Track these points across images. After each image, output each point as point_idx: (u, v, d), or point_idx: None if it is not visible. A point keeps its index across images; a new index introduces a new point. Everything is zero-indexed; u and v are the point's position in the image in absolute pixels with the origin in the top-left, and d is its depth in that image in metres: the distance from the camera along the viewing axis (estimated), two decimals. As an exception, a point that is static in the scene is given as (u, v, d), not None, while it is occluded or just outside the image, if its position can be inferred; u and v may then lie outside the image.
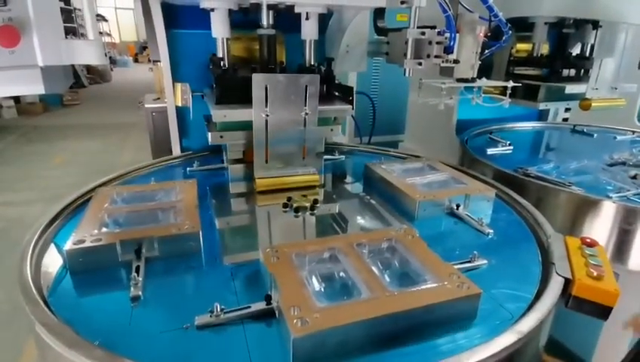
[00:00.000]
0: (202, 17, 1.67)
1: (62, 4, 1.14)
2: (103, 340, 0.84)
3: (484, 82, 1.92)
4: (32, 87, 1.08)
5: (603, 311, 1.02)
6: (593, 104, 2.39)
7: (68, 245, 1.07)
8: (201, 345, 0.86)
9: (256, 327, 0.91)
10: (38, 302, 0.93)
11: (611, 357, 1.88)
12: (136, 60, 21.26)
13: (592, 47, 2.56)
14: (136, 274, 1.02)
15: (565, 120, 3.37)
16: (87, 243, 1.08)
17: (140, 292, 0.99)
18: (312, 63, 1.78)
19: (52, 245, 1.24)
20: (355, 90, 1.77)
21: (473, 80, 1.86)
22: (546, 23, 2.41)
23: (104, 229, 1.19)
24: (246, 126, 1.66)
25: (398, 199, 1.54)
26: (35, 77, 1.08)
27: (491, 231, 1.35)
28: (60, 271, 1.10)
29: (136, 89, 13.28)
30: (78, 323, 0.89)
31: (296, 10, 1.64)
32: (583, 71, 2.58)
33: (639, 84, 2.56)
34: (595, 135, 2.86)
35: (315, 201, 1.55)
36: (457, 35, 1.60)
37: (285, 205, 1.54)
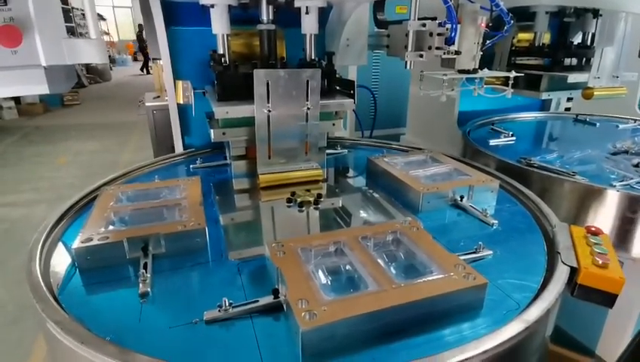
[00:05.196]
0: (202, 14, 1.66)
1: (61, 4, 1.14)
2: (113, 336, 0.85)
3: (485, 73, 1.91)
4: (36, 87, 1.09)
5: (609, 299, 1.03)
6: (595, 93, 2.37)
7: (76, 243, 1.08)
8: (210, 339, 0.87)
9: (265, 321, 0.92)
10: (48, 299, 0.93)
11: (616, 345, 1.89)
12: (135, 59, 21.20)
13: (593, 35, 2.55)
14: (144, 271, 1.03)
15: (567, 109, 3.36)
16: (95, 242, 1.09)
17: (149, 289, 1.00)
18: (313, 58, 1.77)
19: (60, 244, 1.24)
20: (355, 83, 1.77)
21: (475, 71, 1.85)
22: (547, 12, 2.40)
23: (111, 227, 1.21)
24: (248, 122, 1.66)
25: (402, 192, 1.55)
26: (39, 77, 1.09)
27: (496, 221, 1.35)
28: (68, 270, 1.11)
29: (135, 87, 13.29)
30: (89, 320, 0.90)
31: (296, 4, 1.63)
32: (584, 60, 2.57)
33: (639, 73, 2.55)
34: (598, 124, 2.85)
35: (319, 196, 1.55)
36: (458, 25, 1.59)
37: (289, 200, 1.55)
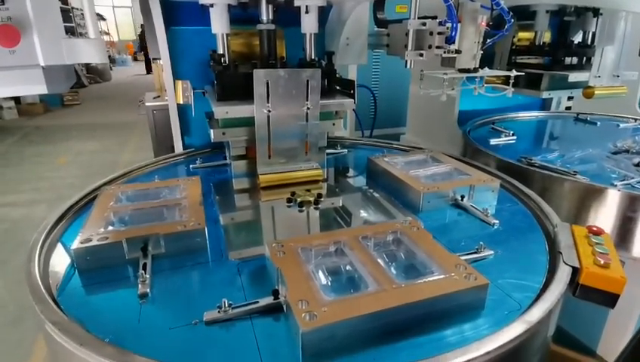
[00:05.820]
0: (201, 14, 1.66)
1: (60, 4, 1.13)
2: (113, 337, 0.84)
3: (486, 72, 1.90)
4: (35, 87, 1.08)
5: (610, 299, 1.02)
6: (596, 92, 2.37)
7: (75, 244, 1.08)
8: (210, 340, 0.86)
9: (265, 322, 0.91)
10: (47, 301, 0.93)
11: (617, 344, 1.88)
12: (135, 59, 21.19)
13: (594, 34, 2.55)
14: (143, 272, 1.03)
15: (568, 108, 3.35)
16: (94, 242, 1.08)
17: (148, 289, 1.00)
18: (313, 57, 1.77)
19: (59, 245, 1.24)
20: (355, 83, 1.76)
21: (475, 70, 1.85)
22: (547, 11, 2.39)
23: (110, 228, 1.20)
24: (248, 122, 1.66)
25: (402, 191, 1.54)
26: (37, 77, 1.08)
27: (497, 221, 1.35)
28: (67, 270, 1.10)
29: (136, 87, 13.28)
30: (88, 321, 0.90)
31: (296, 3, 1.63)
32: (585, 59, 2.57)
33: (639, 72, 2.54)
34: (598, 123, 2.85)
35: (319, 196, 1.55)
36: (459, 24, 1.59)
37: (289, 200, 1.54)
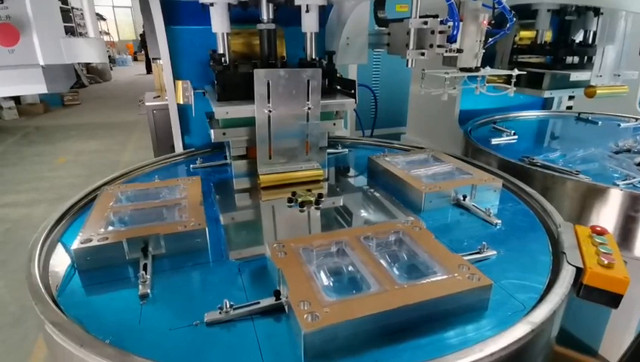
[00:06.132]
0: (201, 13, 1.65)
1: (60, 4, 1.13)
2: (113, 338, 0.84)
3: (488, 71, 1.90)
4: (34, 87, 1.08)
5: (614, 299, 1.02)
6: (598, 91, 2.36)
7: (75, 244, 1.07)
8: (211, 341, 0.86)
9: (266, 323, 0.90)
10: (47, 301, 0.93)
11: (619, 344, 1.88)
12: (135, 59, 21.19)
13: (595, 34, 2.54)
14: (143, 272, 1.02)
15: (569, 108, 3.34)
16: (94, 242, 1.07)
17: (149, 290, 0.99)
18: (314, 57, 1.76)
19: (59, 245, 1.24)
20: (356, 82, 1.75)
21: (477, 69, 1.84)
22: (548, 10, 2.38)
23: (110, 228, 1.19)
24: (248, 122, 1.65)
25: (404, 191, 1.53)
26: (37, 76, 1.08)
27: (499, 221, 1.34)
28: (68, 271, 1.10)
29: (136, 87, 13.28)
30: (88, 322, 0.89)
31: (296, 2, 1.62)
32: (586, 58, 2.56)
33: None
34: (600, 123, 2.84)
35: (320, 195, 1.54)
36: (460, 23, 1.58)
37: (290, 200, 1.54)
